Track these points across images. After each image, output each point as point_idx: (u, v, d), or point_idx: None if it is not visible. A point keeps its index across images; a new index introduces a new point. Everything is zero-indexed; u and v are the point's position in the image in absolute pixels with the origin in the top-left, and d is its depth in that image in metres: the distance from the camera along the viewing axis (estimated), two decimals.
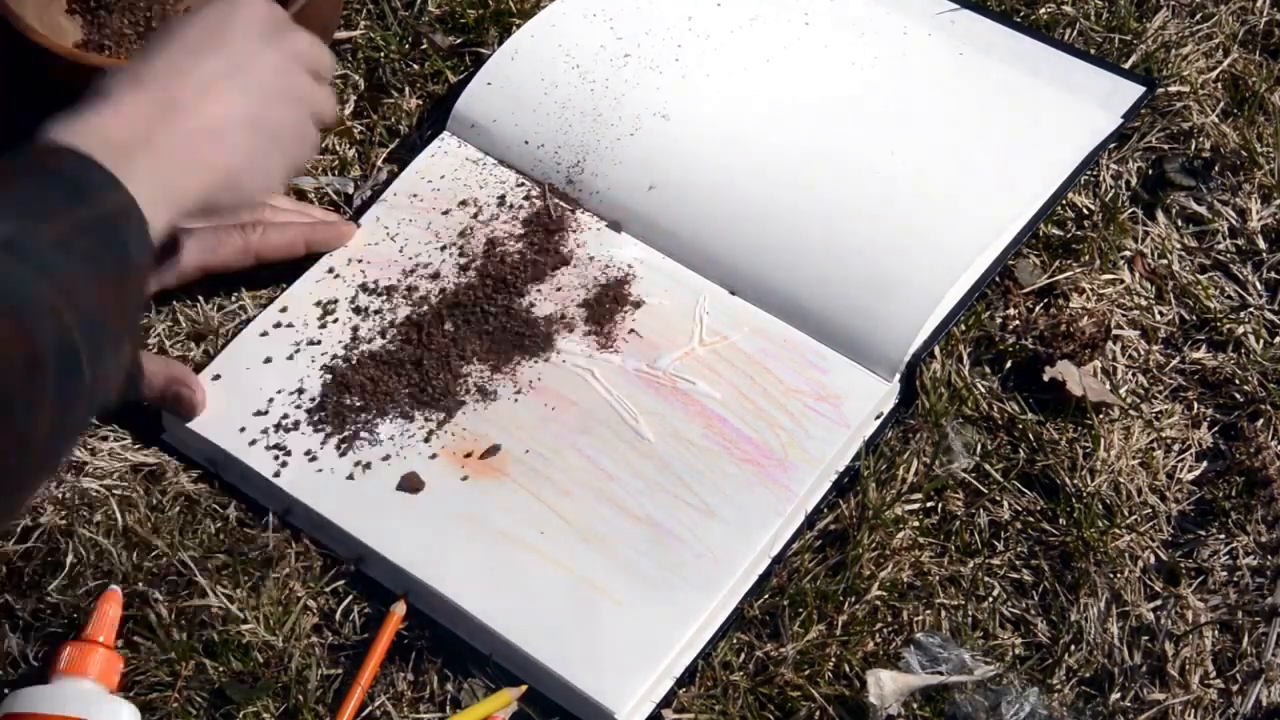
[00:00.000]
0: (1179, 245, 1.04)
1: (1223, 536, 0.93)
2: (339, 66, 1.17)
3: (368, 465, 0.95)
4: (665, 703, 0.87)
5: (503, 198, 1.07)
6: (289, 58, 0.87)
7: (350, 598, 0.92)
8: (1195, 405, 0.98)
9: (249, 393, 0.98)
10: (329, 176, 1.12)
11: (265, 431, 0.96)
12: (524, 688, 0.87)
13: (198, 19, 0.85)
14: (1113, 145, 1.08)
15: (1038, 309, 1.01)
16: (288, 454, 0.95)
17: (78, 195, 0.72)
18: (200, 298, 1.04)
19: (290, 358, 1.00)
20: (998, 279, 1.02)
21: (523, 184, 1.08)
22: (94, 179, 0.73)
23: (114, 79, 0.81)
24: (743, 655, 0.89)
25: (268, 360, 1.00)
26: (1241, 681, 0.87)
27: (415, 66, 1.17)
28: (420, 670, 0.89)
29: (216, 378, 0.99)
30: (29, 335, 0.66)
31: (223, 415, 0.97)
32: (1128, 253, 1.04)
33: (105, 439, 0.98)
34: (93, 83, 0.81)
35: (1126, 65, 1.12)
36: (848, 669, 0.87)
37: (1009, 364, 0.99)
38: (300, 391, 0.98)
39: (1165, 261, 1.03)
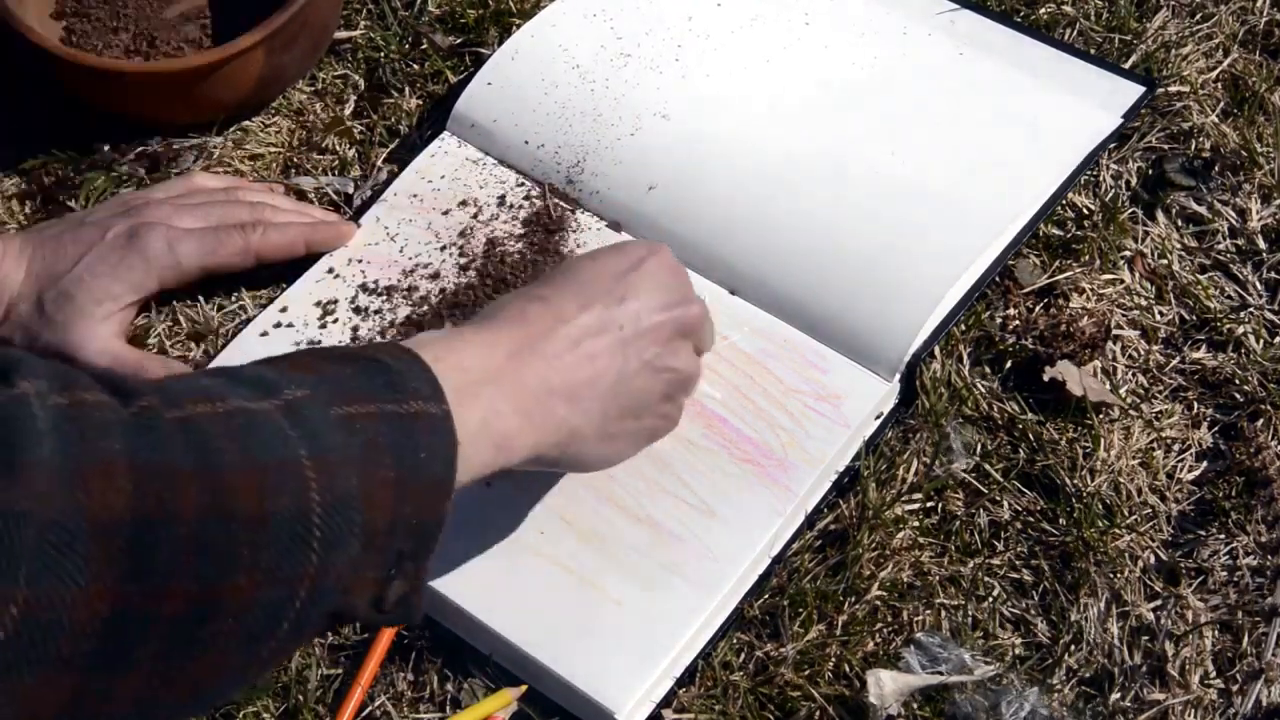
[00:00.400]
0: (1179, 245, 1.04)
1: (1223, 536, 0.93)
2: (339, 66, 1.18)
3: None
4: (665, 703, 0.87)
5: (503, 198, 1.07)
6: (677, 328, 0.82)
7: None
8: (1195, 405, 0.98)
9: None
10: (329, 176, 1.12)
11: None
12: (524, 688, 0.87)
13: (604, 262, 0.82)
14: (1113, 145, 1.08)
15: (1038, 309, 1.01)
16: None
17: (390, 389, 0.68)
18: (200, 298, 1.04)
19: None
20: (998, 279, 1.02)
21: (523, 184, 1.08)
22: (419, 385, 0.69)
23: (510, 303, 0.78)
24: (743, 655, 0.89)
25: None
26: (1241, 681, 0.87)
27: (415, 66, 1.17)
28: (420, 670, 0.89)
29: None
30: (261, 494, 0.61)
31: None
32: (1128, 253, 1.04)
33: None
34: (494, 301, 0.79)
35: (1126, 65, 1.12)
36: (848, 669, 0.87)
37: (1009, 364, 0.99)
38: None
39: (1165, 261, 1.03)
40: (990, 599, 0.90)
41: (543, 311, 0.78)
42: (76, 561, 0.55)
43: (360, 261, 1.05)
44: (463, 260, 1.04)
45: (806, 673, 0.87)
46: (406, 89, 1.16)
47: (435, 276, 1.03)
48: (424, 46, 1.18)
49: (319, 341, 1.00)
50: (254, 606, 0.61)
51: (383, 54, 1.17)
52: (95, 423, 0.58)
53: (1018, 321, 1.01)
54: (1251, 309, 1.01)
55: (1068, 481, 0.94)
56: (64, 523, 0.55)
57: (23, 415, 0.56)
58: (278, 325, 1.02)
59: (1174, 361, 0.99)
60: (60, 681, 0.56)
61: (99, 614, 0.56)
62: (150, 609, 0.57)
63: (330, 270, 1.04)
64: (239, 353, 1.00)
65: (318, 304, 1.03)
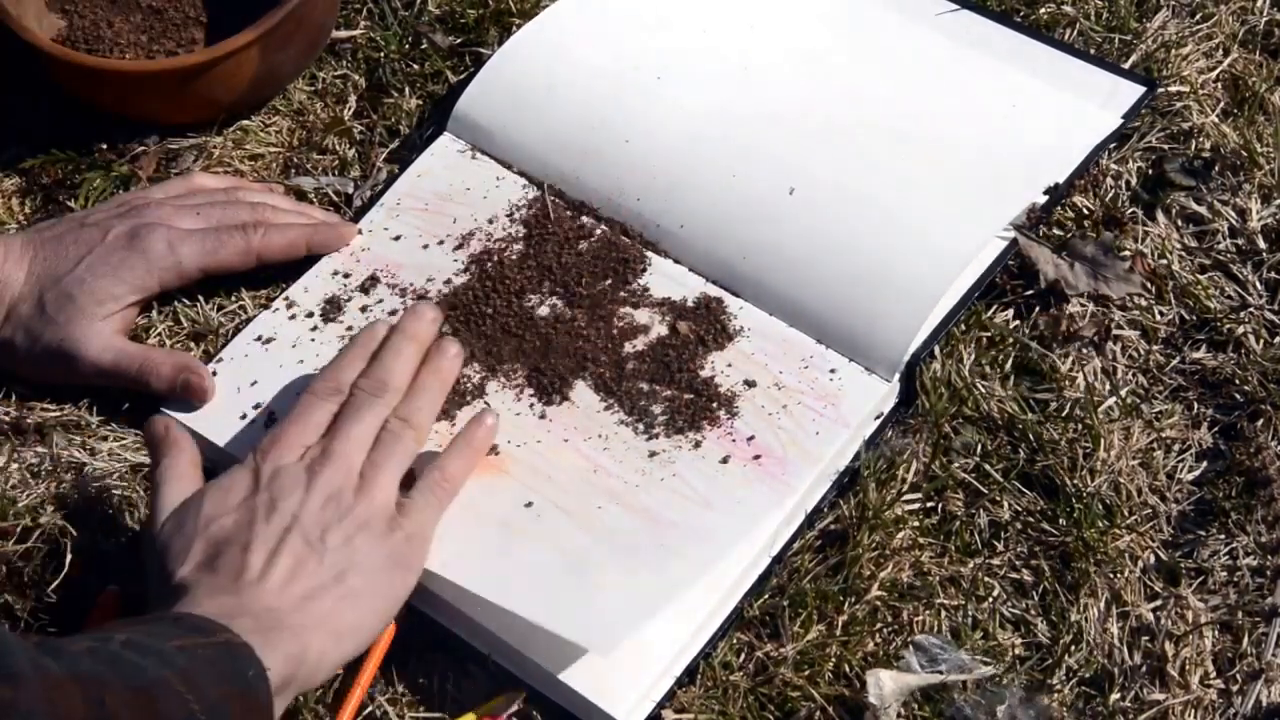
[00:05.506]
0: (1179, 245, 1.04)
1: (1223, 536, 0.93)
2: (339, 66, 1.18)
3: None
4: (665, 703, 0.87)
5: (502, 198, 1.07)
6: (332, 495, 0.85)
7: None
8: (1195, 405, 0.98)
9: (248, 392, 0.98)
10: (329, 176, 1.12)
11: (265, 431, 0.96)
12: (523, 693, 0.87)
13: (231, 494, 0.86)
14: (1113, 145, 1.08)
15: (1038, 309, 1.01)
16: None
17: (199, 630, 0.77)
18: (200, 298, 1.04)
19: (289, 358, 1.00)
20: (998, 278, 1.02)
21: (522, 184, 1.08)
22: (208, 624, 0.77)
23: (191, 578, 0.82)
24: (743, 655, 0.89)
25: (267, 360, 1.00)
26: (1241, 681, 0.87)
27: (415, 66, 1.17)
28: (420, 670, 0.89)
29: (214, 376, 0.99)
30: (158, 708, 0.70)
31: (222, 414, 0.97)
32: (1127, 253, 1.04)
33: (105, 439, 0.98)
34: (176, 586, 0.83)
35: (1126, 65, 1.12)
36: (848, 669, 0.87)
37: (1009, 364, 0.99)
38: (301, 391, 0.98)
39: (1165, 261, 1.03)
40: (990, 599, 0.90)
41: (225, 560, 0.82)
42: None
43: (360, 262, 1.05)
44: (462, 260, 1.04)
45: (806, 673, 0.87)
46: (406, 89, 1.16)
47: (434, 277, 1.03)
48: (424, 46, 1.18)
49: (319, 342, 1.00)
50: None
51: (383, 54, 1.17)
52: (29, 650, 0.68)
53: (1018, 321, 1.01)
54: (1251, 309, 1.01)
55: (1068, 481, 0.94)
56: None
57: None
58: (277, 325, 1.02)
59: (1174, 361, 0.99)
60: None
61: None
62: None
63: (330, 271, 1.04)
64: (238, 352, 1.00)
65: (317, 304, 1.03)
